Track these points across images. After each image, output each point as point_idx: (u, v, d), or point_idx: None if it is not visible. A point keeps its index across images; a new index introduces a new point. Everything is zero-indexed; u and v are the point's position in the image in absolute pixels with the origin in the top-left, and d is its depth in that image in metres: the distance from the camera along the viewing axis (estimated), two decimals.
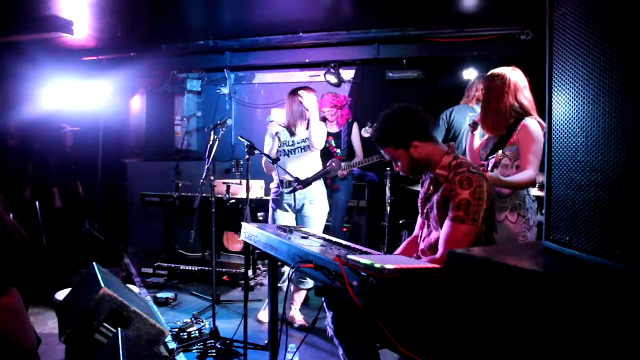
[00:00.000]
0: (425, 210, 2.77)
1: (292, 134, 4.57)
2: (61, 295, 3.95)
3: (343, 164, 5.38)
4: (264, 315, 4.53)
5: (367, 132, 5.24)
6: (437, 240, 2.60)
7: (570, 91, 1.35)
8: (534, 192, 3.31)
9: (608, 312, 1.05)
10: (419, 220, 2.91)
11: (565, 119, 1.38)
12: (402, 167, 2.76)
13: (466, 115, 4.33)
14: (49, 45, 7.08)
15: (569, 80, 1.36)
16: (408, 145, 2.67)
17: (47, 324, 4.49)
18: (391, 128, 2.71)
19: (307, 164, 4.48)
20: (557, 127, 1.43)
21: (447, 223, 2.50)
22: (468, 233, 2.44)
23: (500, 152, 2.93)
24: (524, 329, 1.21)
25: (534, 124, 3.08)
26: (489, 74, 3.29)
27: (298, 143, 4.55)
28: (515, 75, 3.17)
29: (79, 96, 7.37)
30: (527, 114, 3.12)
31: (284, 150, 4.54)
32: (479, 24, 6.17)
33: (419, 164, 2.71)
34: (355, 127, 5.76)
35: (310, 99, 4.45)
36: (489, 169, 2.92)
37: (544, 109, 1.53)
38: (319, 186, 4.55)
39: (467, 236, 2.44)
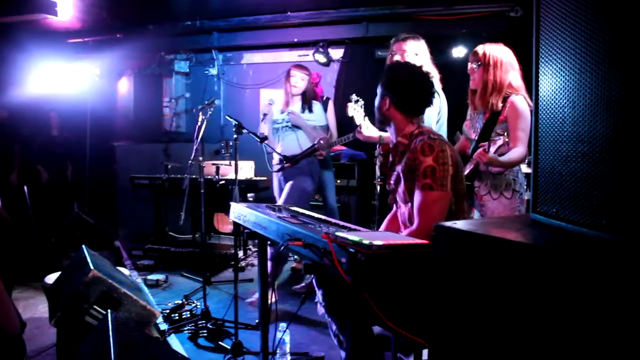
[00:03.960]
0: (392, 181, 2.78)
1: (282, 112, 4.70)
2: (51, 278, 3.93)
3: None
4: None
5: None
6: (411, 212, 2.61)
7: (557, 62, 1.34)
8: (524, 168, 3.33)
9: (593, 282, 1.05)
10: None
11: (552, 90, 1.37)
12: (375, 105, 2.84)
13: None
14: (34, 28, 6.98)
15: (555, 50, 1.35)
16: (383, 94, 2.73)
17: (37, 308, 4.48)
18: (387, 72, 2.76)
19: (292, 142, 4.49)
20: (544, 99, 1.42)
21: (416, 192, 2.51)
22: (438, 199, 2.45)
23: (505, 134, 2.95)
24: (511, 300, 1.21)
25: (520, 100, 3.10)
26: (482, 48, 3.24)
27: (287, 121, 4.65)
28: (508, 54, 3.18)
29: (66, 79, 7.28)
30: (515, 91, 3.13)
31: (274, 128, 4.63)
32: (468, 1, 6.13)
33: (381, 115, 2.78)
34: (331, 105, 5.73)
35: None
36: (492, 150, 2.92)
37: (531, 82, 1.52)
38: (303, 163, 4.62)
39: (438, 202, 2.46)
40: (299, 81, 4.68)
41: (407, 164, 2.58)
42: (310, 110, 4.71)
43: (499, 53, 3.18)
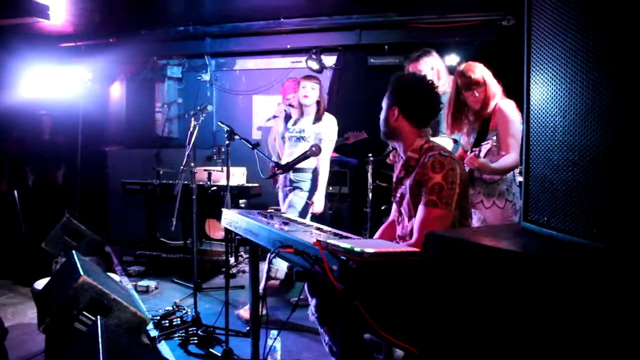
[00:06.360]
0: (398, 195, 2.76)
1: (295, 122, 4.73)
2: (40, 284, 3.91)
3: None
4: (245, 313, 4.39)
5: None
6: (412, 226, 2.59)
7: (548, 71, 1.35)
8: (518, 177, 3.34)
9: (583, 290, 1.05)
10: (394, 205, 2.91)
11: (543, 99, 1.38)
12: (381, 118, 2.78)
13: None
14: (26, 32, 6.95)
15: (546, 59, 1.35)
16: (391, 104, 2.67)
17: (26, 314, 4.44)
18: (394, 82, 2.71)
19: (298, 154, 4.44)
20: (535, 108, 1.43)
21: (420, 207, 2.49)
22: (441, 217, 2.43)
23: (494, 137, 2.95)
24: (500, 308, 1.21)
25: (507, 105, 3.11)
26: (474, 72, 3.22)
27: (297, 132, 4.66)
28: (484, 69, 3.21)
29: (58, 83, 7.25)
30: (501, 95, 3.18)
31: (288, 136, 4.71)
32: (460, 10, 6.16)
33: (389, 127, 2.71)
34: None
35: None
36: (482, 154, 2.92)
37: (522, 91, 1.53)
38: (306, 175, 4.60)
39: (441, 220, 2.43)
40: (310, 91, 4.61)
41: (415, 178, 2.56)
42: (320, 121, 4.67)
43: (485, 69, 3.21)
